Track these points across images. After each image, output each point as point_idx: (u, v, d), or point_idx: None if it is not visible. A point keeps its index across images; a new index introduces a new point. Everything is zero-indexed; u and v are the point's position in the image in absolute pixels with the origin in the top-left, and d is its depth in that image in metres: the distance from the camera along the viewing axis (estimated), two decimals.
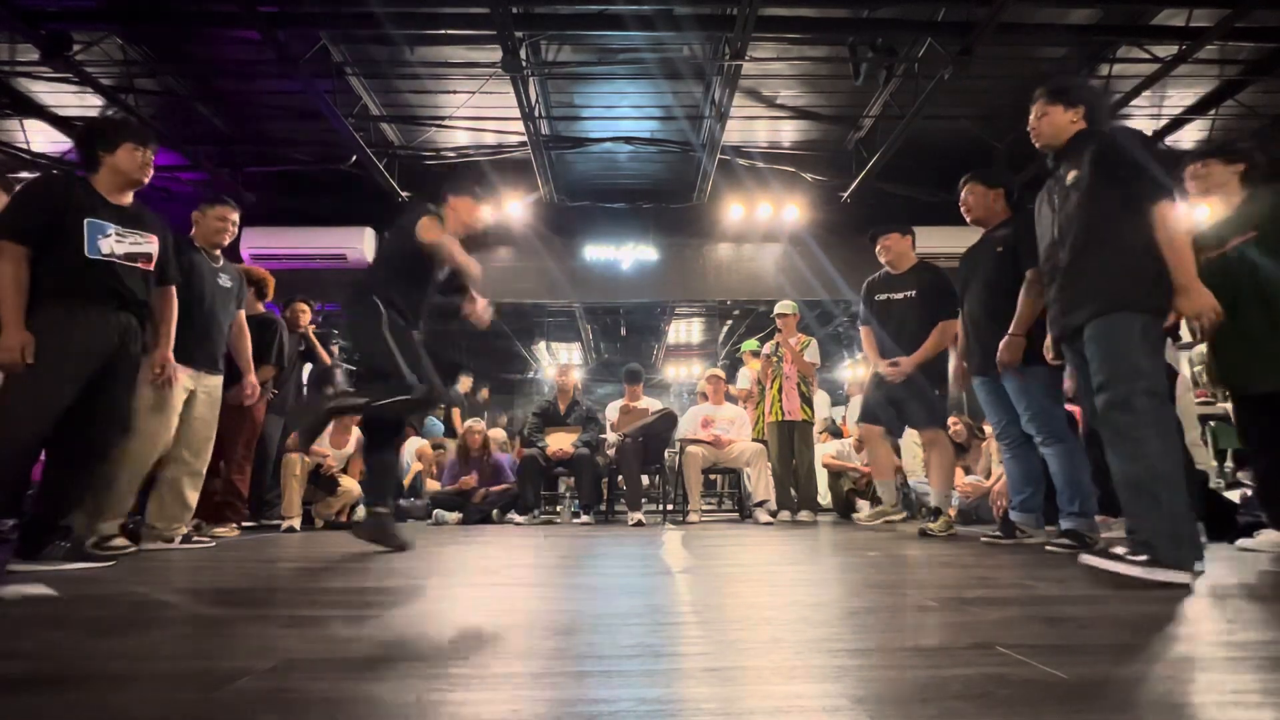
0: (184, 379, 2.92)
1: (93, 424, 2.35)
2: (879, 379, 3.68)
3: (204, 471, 3.10)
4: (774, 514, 4.74)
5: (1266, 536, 2.55)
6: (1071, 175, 2.14)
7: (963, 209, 3.21)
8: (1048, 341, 2.77)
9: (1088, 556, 1.83)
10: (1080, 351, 2.12)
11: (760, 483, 4.63)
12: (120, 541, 2.64)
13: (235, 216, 3.27)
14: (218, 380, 3.17)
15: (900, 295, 3.68)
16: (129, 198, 2.55)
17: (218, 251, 3.24)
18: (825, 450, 5.48)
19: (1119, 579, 1.76)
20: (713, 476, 5.69)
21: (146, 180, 2.57)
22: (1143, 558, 1.74)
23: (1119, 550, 1.79)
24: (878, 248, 3.80)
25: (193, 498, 3.03)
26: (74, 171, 2.50)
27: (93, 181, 2.45)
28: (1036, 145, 2.28)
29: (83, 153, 2.49)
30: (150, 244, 2.55)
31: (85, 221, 2.36)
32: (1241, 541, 2.63)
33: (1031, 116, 2.26)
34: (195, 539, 3.06)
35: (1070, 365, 2.29)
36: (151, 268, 2.55)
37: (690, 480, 4.73)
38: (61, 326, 2.27)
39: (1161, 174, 1.99)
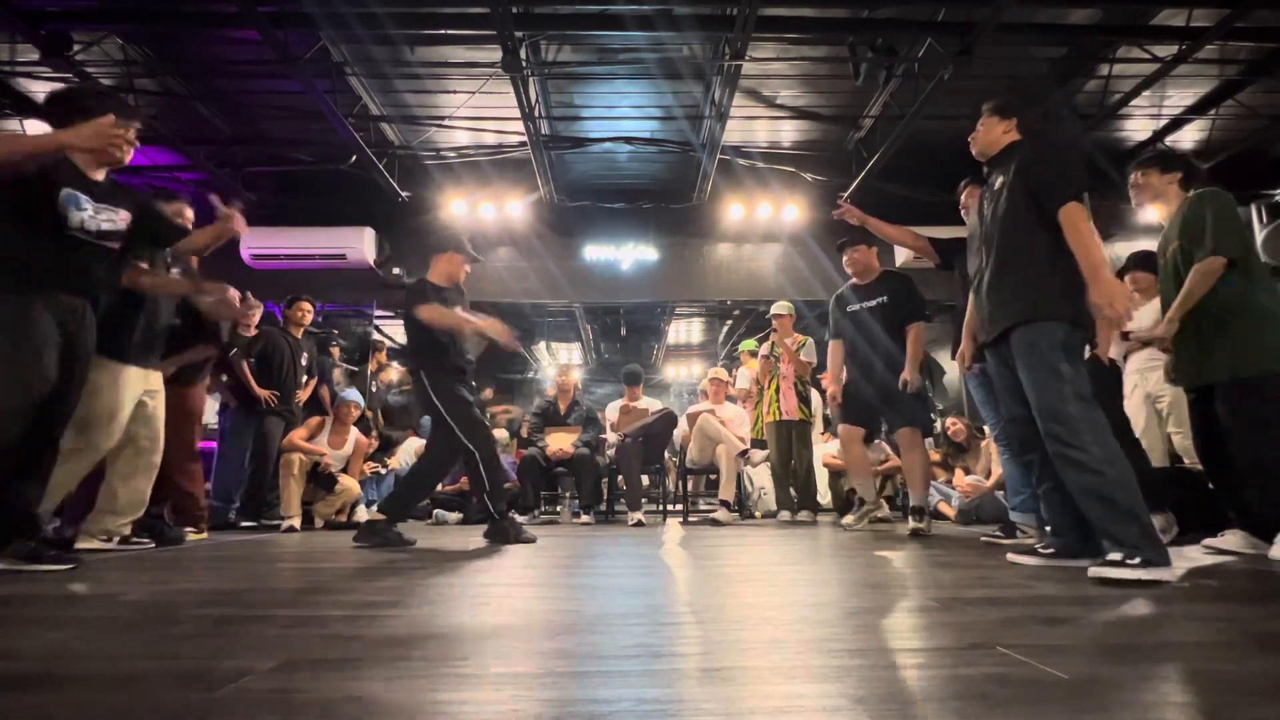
0: (135, 380, 2.77)
1: (47, 417, 2.20)
2: (859, 385, 3.78)
3: (158, 466, 2.98)
4: (773, 515, 4.73)
5: (1231, 537, 2.53)
6: (999, 181, 2.23)
7: (963, 211, 3.22)
8: (963, 348, 2.88)
9: (1095, 569, 1.85)
10: (1003, 358, 2.23)
11: (729, 483, 4.64)
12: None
13: (190, 214, 3.09)
14: (159, 375, 3.00)
15: (874, 303, 3.77)
16: (103, 174, 2.36)
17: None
18: (826, 450, 5.49)
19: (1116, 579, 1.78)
20: (712, 476, 5.69)
21: (127, 160, 2.37)
22: (1137, 560, 1.79)
23: (1116, 557, 1.83)
24: (845, 258, 3.90)
25: (146, 491, 2.91)
26: None
27: (68, 153, 2.25)
28: (973, 153, 2.41)
29: (58, 122, 2.27)
30: (123, 223, 2.38)
31: (61, 192, 2.17)
32: (1207, 541, 2.61)
33: (976, 128, 2.40)
34: (134, 540, 2.96)
35: (991, 369, 2.37)
36: (117, 248, 2.38)
37: (725, 470, 4.70)
38: (31, 313, 2.11)
39: (1072, 178, 2.07)
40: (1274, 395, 2.38)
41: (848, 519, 3.76)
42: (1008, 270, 2.15)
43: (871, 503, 3.85)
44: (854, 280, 3.90)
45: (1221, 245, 2.44)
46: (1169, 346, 2.63)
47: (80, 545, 2.70)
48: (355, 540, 2.96)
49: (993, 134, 2.32)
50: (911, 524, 3.47)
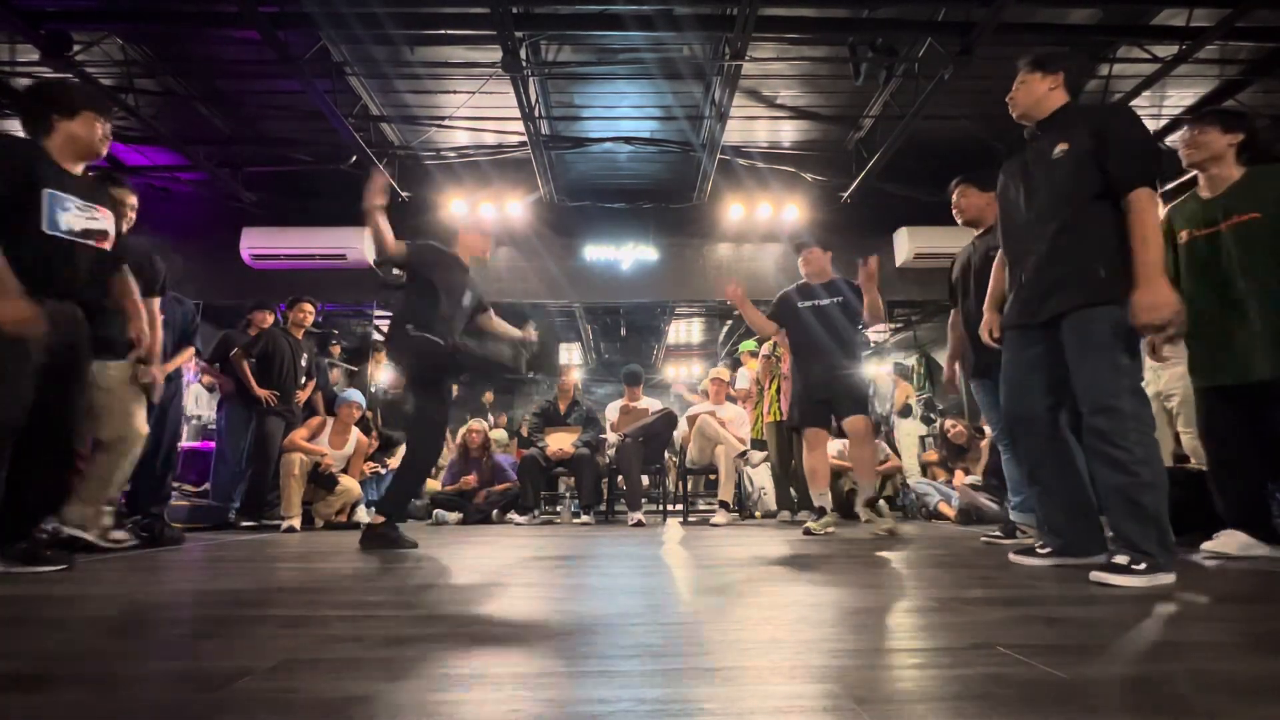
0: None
1: (42, 422, 2.17)
2: (816, 382, 3.65)
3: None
4: (773, 515, 4.72)
5: (1228, 538, 2.47)
6: (1060, 148, 2.03)
7: (955, 211, 3.21)
8: (986, 320, 2.70)
9: (1098, 574, 1.83)
10: (1036, 341, 2.09)
11: (728, 484, 4.64)
12: (120, 535, 2.64)
13: (133, 199, 3.00)
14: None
15: (827, 301, 3.74)
16: (80, 169, 2.31)
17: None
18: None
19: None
20: (712, 476, 5.70)
21: (102, 155, 2.34)
22: (1143, 566, 1.78)
23: (1122, 560, 1.81)
24: (800, 258, 3.87)
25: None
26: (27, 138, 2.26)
27: (46, 147, 2.22)
28: (1014, 115, 2.21)
29: (33, 114, 2.24)
30: (106, 220, 2.33)
31: (45, 193, 2.12)
32: (1205, 546, 2.55)
33: (1013, 87, 2.19)
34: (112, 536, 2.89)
35: (1011, 354, 2.23)
36: (106, 246, 2.33)
37: (724, 471, 4.68)
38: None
39: (1154, 158, 1.93)
40: None
41: (813, 524, 3.52)
42: (1070, 247, 1.98)
43: (831, 512, 3.73)
44: (804, 281, 3.86)
45: None
46: None
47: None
48: (361, 545, 2.93)
49: (1036, 92, 2.12)
50: (878, 524, 3.41)
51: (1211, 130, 2.45)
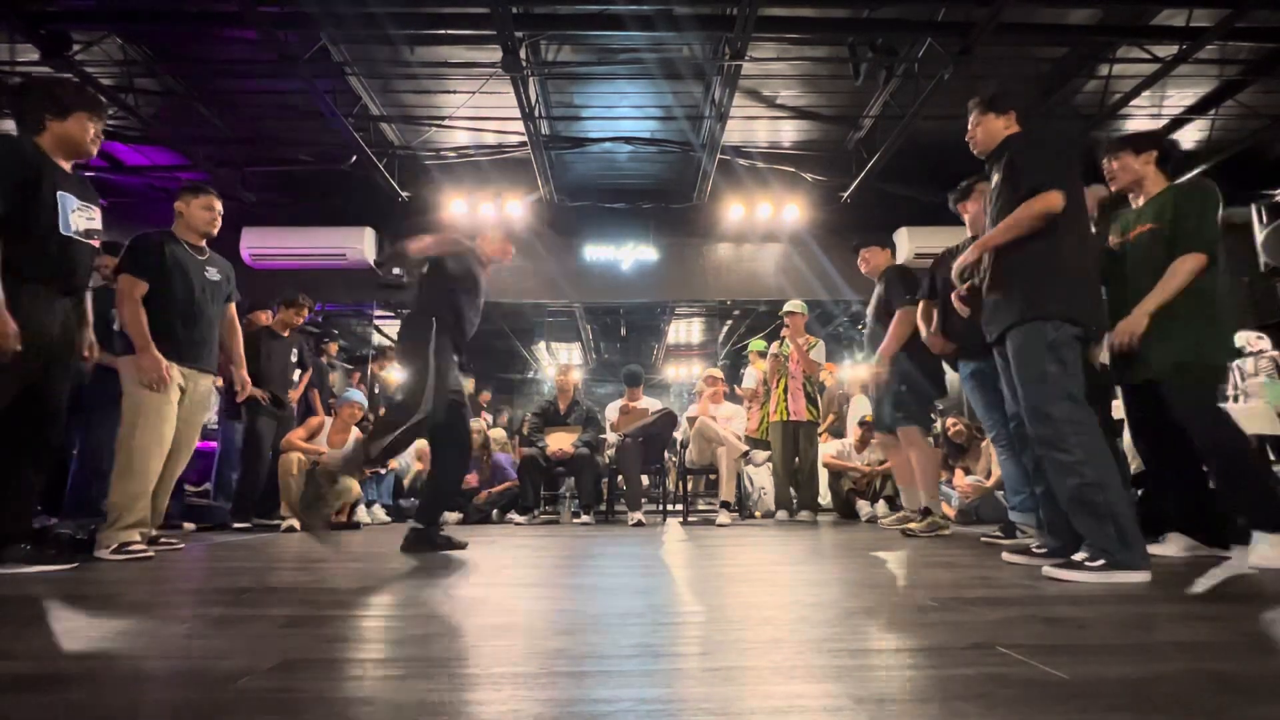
0: (176, 377, 2.75)
1: (30, 420, 2.17)
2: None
3: (176, 477, 2.92)
4: (772, 515, 4.72)
5: (1172, 540, 2.47)
6: (996, 179, 2.21)
7: (960, 210, 3.20)
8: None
9: (1050, 568, 1.89)
10: (1005, 357, 2.20)
11: (730, 483, 4.64)
12: (138, 546, 2.55)
13: (220, 205, 3.08)
14: (209, 382, 2.97)
15: (873, 298, 3.85)
16: (70, 167, 2.32)
17: (203, 243, 3.04)
18: (825, 450, 5.49)
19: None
20: (712, 476, 5.71)
21: (93, 155, 2.36)
22: (1099, 563, 1.81)
23: (1078, 557, 1.87)
24: (859, 259, 3.97)
25: (163, 503, 2.87)
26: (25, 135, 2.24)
27: (41, 145, 2.22)
28: (975, 153, 2.35)
29: (25, 112, 2.23)
30: (98, 217, 2.36)
31: (59, 195, 2.15)
32: (1149, 548, 2.56)
33: (969, 127, 2.33)
34: (163, 541, 2.88)
35: (999, 367, 2.33)
36: (99, 245, 2.38)
37: (725, 472, 4.68)
38: (30, 313, 2.09)
39: (1055, 172, 2.02)
40: (1208, 390, 2.32)
41: (914, 525, 3.48)
42: (1003, 269, 2.13)
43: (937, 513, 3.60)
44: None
45: (1209, 243, 2.31)
46: (1135, 344, 2.35)
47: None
48: (403, 549, 2.75)
49: (992, 129, 2.26)
50: (918, 524, 3.49)
51: (1125, 155, 2.54)
